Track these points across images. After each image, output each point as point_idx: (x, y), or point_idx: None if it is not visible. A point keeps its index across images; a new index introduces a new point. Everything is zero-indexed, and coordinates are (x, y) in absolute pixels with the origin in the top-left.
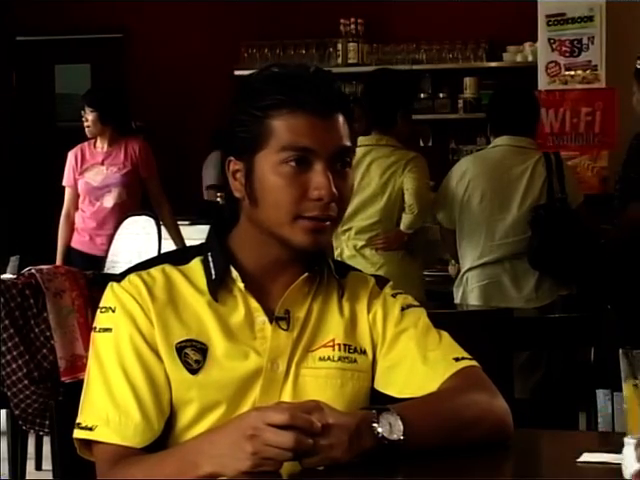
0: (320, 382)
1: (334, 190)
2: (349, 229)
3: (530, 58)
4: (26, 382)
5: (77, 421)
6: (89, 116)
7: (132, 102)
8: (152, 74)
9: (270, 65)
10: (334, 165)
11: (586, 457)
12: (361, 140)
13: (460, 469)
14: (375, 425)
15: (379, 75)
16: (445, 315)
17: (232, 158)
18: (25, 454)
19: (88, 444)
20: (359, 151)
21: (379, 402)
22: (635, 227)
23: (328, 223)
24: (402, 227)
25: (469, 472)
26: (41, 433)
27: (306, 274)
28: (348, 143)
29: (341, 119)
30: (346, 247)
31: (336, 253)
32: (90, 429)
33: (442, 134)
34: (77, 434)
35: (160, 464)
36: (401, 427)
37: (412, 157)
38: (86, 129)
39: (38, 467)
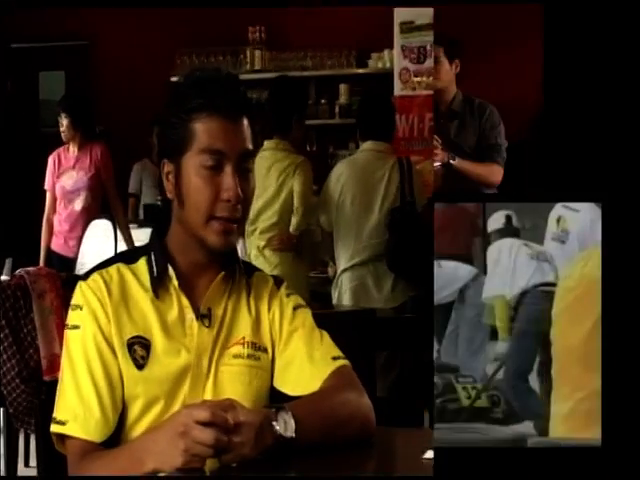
0: (234, 379)
1: (240, 192)
2: (255, 230)
3: (388, 65)
4: (17, 381)
5: (53, 415)
6: (64, 121)
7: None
8: (111, 81)
9: (193, 70)
10: (240, 167)
11: (430, 454)
12: (265, 144)
13: (334, 467)
14: (274, 423)
15: (278, 82)
16: (321, 315)
17: (165, 160)
18: (16, 451)
19: (63, 438)
20: (263, 154)
21: (276, 400)
22: None
23: (235, 225)
24: (290, 228)
25: (338, 469)
26: (29, 431)
27: (222, 273)
28: (251, 146)
29: (246, 122)
30: (253, 248)
31: (247, 253)
32: (63, 423)
33: (323, 139)
34: (52, 428)
35: (115, 461)
36: (293, 425)
37: (300, 161)
38: (62, 134)
39: (26, 464)
